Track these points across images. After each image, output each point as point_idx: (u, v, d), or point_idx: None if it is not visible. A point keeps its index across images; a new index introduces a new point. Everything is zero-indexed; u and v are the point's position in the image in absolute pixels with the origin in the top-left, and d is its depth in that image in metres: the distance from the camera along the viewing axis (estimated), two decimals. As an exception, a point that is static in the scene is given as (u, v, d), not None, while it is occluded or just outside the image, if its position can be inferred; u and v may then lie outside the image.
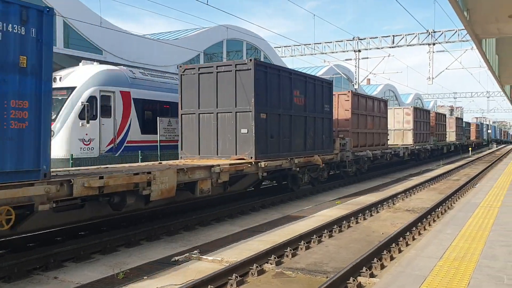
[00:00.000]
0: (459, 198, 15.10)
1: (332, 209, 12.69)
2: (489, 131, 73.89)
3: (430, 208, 12.33)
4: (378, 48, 29.68)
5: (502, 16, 11.59)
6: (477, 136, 61.28)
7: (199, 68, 12.90)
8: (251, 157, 12.11)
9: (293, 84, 14.15)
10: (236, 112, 12.28)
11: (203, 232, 10.05)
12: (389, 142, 26.86)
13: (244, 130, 12.16)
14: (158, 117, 14.83)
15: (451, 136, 42.06)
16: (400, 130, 28.66)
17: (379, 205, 13.22)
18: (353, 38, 30.08)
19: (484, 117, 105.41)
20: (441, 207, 12.91)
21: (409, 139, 28.57)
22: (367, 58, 31.05)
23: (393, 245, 8.43)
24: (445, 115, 40.56)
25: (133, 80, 14.82)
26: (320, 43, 31.32)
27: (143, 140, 14.78)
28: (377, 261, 7.29)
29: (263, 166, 12.27)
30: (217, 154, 12.54)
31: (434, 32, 28.20)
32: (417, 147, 28.99)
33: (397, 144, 27.62)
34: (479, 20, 12.06)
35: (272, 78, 12.97)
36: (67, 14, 18.46)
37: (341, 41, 30.58)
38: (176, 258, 7.71)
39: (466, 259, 5.72)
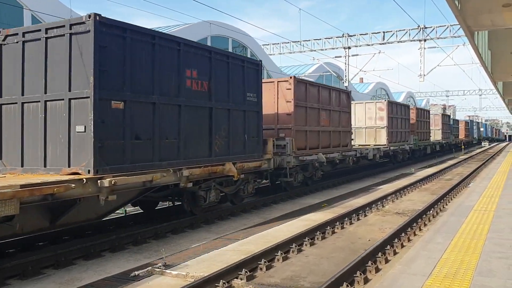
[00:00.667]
0: (451, 199, 14.38)
1: (317, 213, 11.91)
2: (481, 129, 73.43)
3: (421, 211, 11.59)
4: (368, 45, 28.92)
5: (496, 6, 10.88)
6: (467, 134, 56.45)
7: (24, 33, 8.49)
8: (89, 171, 7.63)
9: (185, 60, 9.79)
10: (70, 100, 7.94)
11: (174, 241, 9.23)
12: (360, 142, 24.44)
13: (80, 128, 7.85)
14: None
15: (436, 134, 38.12)
16: (372, 128, 24.91)
17: (368, 208, 12.47)
18: (343, 34, 29.31)
19: (476, 115, 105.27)
20: (432, 209, 12.16)
21: (382, 139, 24.50)
22: (357, 55, 30.39)
23: (380, 254, 7.66)
24: (428, 111, 36.02)
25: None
26: (309, 40, 30.49)
27: None
28: (360, 274, 6.51)
29: (107, 185, 7.58)
30: (44, 166, 8.13)
31: (425, 28, 27.50)
32: (392, 147, 24.86)
33: (369, 145, 23.80)
34: (471, 11, 11.34)
35: (138, 48, 8.68)
36: (34, 8, 17.53)
37: (331, 38, 29.78)
38: (136, 272, 6.88)
39: (458, 277, 4.96)
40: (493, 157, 36.26)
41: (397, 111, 26.16)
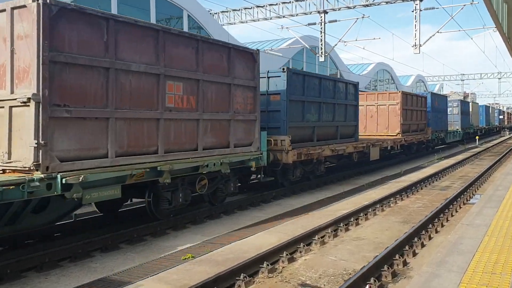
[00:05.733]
0: (431, 237, 8.26)
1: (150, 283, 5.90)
2: (500, 116, 65.33)
3: (350, 283, 5.52)
4: (349, 8, 22.35)
5: None
6: (421, 125, 25.05)
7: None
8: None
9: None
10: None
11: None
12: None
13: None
14: None
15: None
16: None
17: (256, 269, 6.44)
18: (317, -5, 22.80)
19: (497, 103, 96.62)
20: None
21: None
22: (336, 21, 23.62)
23: None
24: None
25: None
26: (276, 4, 23.95)
27: None
28: None
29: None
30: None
31: (422, -18, 20.86)
32: None
33: None
34: None
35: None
36: None
37: (302, 0, 23.25)
38: None
39: None
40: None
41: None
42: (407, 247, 7.38)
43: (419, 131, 24.72)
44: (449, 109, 33.65)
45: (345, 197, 12.95)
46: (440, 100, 30.68)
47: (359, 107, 21.21)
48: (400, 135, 21.72)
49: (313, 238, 8.04)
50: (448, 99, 35.26)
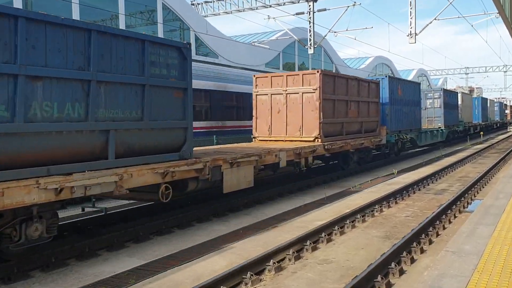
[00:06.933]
0: (414, 259, 6.75)
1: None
2: (506, 111, 63.19)
3: None
4: (340, -4, 20.73)
5: None
6: (368, 123, 17.37)
7: None
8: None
9: None
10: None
11: None
12: None
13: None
14: None
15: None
16: None
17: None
18: (305, -18, 21.24)
19: (503, 97, 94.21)
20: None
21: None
22: (325, 10, 22.02)
23: None
24: None
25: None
26: (262, -6, 22.55)
27: None
28: None
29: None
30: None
31: (417, -35, 19.25)
32: None
33: None
34: None
35: None
36: None
37: (290, -12, 21.77)
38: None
39: None
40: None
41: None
42: (379, 278, 5.86)
43: (363, 133, 16.78)
44: (428, 101, 26.52)
45: (326, 203, 11.46)
46: (408, 88, 21.50)
47: (261, 96, 14.42)
48: (320, 140, 13.78)
49: (267, 264, 6.52)
50: (427, 88, 27.75)
